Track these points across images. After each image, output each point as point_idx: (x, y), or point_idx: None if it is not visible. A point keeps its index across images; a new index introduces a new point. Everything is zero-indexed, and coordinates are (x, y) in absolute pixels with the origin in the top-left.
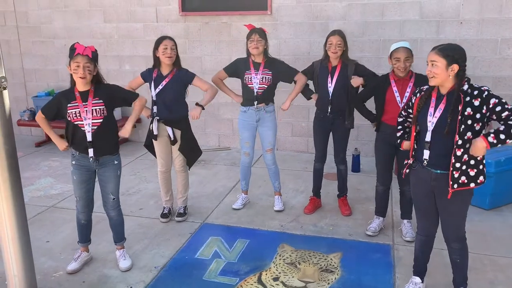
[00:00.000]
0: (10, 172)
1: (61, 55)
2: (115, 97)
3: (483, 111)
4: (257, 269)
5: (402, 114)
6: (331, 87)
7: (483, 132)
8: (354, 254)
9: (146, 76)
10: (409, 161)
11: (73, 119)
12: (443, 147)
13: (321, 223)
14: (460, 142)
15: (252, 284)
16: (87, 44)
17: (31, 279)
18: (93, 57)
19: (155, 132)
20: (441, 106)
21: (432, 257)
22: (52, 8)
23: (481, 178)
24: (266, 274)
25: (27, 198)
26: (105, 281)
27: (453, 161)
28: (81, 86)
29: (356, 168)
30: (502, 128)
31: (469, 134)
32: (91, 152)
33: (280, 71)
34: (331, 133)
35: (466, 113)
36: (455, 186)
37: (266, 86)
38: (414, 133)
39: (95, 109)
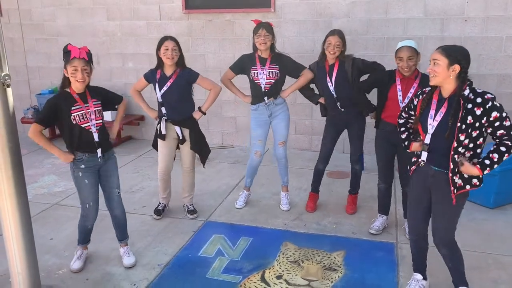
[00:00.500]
0: (14, 170)
1: None
2: (104, 99)
3: (483, 121)
4: (260, 267)
5: (403, 116)
6: (331, 86)
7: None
8: (358, 253)
9: (149, 77)
10: (419, 160)
11: (80, 121)
12: (442, 150)
13: (325, 221)
14: (459, 148)
15: (255, 282)
16: (90, 42)
17: (35, 277)
18: (89, 59)
19: (163, 132)
20: (442, 110)
21: (433, 257)
22: (56, 5)
23: (475, 180)
24: (269, 272)
25: (31, 196)
26: (108, 279)
27: (452, 166)
28: (78, 89)
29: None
30: (495, 155)
31: (466, 141)
32: (99, 152)
33: (287, 66)
34: (340, 133)
35: (467, 121)
36: (455, 191)
37: (273, 81)
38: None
39: (96, 110)
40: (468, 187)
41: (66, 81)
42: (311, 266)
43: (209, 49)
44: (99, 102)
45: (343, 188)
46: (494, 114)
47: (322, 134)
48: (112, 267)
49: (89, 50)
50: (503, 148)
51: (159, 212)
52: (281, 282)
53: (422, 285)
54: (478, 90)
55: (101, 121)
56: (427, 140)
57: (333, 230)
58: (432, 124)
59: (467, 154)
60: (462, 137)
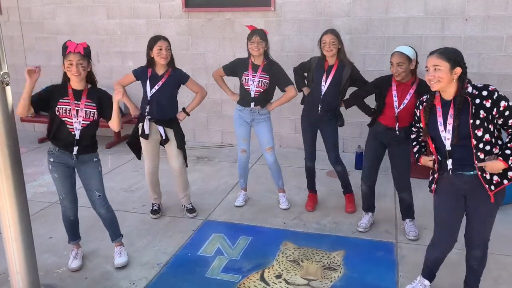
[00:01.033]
0: (12, 169)
1: None
2: (103, 105)
3: (494, 112)
4: (260, 266)
5: (413, 131)
6: (324, 86)
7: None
8: (357, 252)
9: (139, 74)
10: (435, 175)
11: (62, 115)
12: (465, 152)
13: (324, 220)
14: (480, 145)
15: (254, 282)
16: (90, 40)
17: (34, 276)
18: (86, 54)
19: (146, 131)
20: (451, 112)
21: None
22: (55, 4)
23: (510, 173)
24: (268, 272)
25: (30, 194)
26: (107, 278)
27: (478, 165)
28: (75, 84)
29: (360, 165)
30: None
31: (487, 136)
32: (75, 149)
33: (276, 76)
34: (318, 132)
35: (481, 115)
36: (493, 187)
37: (262, 90)
38: (433, 145)
39: (86, 111)
40: (505, 181)
41: (65, 77)
42: (311, 266)
43: (209, 48)
44: (94, 104)
45: None
46: (503, 103)
47: (302, 134)
48: (112, 265)
49: (87, 46)
50: None
51: (156, 211)
52: (280, 282)
53: (424, 285)
54: (479, 85)
55: (88, 123)
56: (448, 146)
57: (332, 229)
58: (449, 129)
59: (495, 151)
60: (479, 133)
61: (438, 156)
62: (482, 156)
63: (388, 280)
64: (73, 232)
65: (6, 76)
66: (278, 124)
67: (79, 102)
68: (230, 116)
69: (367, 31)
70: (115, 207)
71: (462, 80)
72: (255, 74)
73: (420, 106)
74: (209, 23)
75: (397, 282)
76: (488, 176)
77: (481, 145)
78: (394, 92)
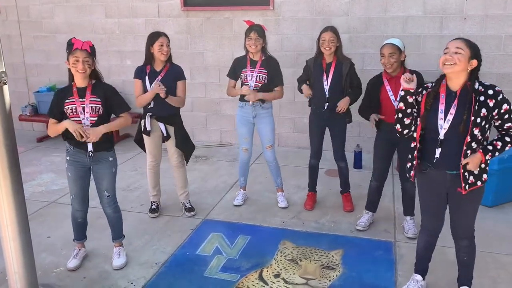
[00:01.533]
0: (10, 168)
1: (63, 50)
2: (109, 99)
3: (494, 113)
4: (258, 265)
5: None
6: (327, 85)
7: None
8: (356, 251)
9: (139, 74)
10: (414, 162)
11: (70, 114)
12: (456, 146)
13: (323, 219)
14: (473, 144)
15: (253, 281)
16: (89, 39)
17: (32, 276)
18: (92, 52)
19: (148, 128)
20: (456, 103)
21: (434, 255)
22: (54, 3)
23: (485, 176)
24: (267, 271)
25: (29, 194)
26: (106, 277)
27: (463, 162)
28: (80, 81)
29: (358, 164)
30: (499, 143)
31: (479, 134)
32: (90, 146)
33: (271, 72)
34: (326, 130)
35: (481, 114)
36: (467, 187)
37: (260, 85)
38: (420, 132)
39: (92, 106)
40: (479, 183)
41: (71, 74)
42: (309, 265)
43: (207, 46)
44: (99, 99)
45: None
46: (505, 106)
47: (308, 131)
48: (110, 265)
49: (93, 45)
50: (507, 139)
51: (155, 210)
52: (279, 281)
53: (421, 285)
54: (486, 83)
55: (95, 119)
56: (441, 135)
57: (331, 228)
58: (448, 118)
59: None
60: (476, 131)
61: (419, 144)
62: (469, 153)
63: (386, 279)
64: (80, 231)
65: (3, 75)
66: (277, 123)
67: (83, 99)
68: (229, 115)
69: (366, 30)
70: None
71: (474, 76)
72: (253, 69)
73: (424, 91)
74: (208, 22)
75: (396, 281)
76: (467, 175)
77: (473, 144)
78: (388, 87)
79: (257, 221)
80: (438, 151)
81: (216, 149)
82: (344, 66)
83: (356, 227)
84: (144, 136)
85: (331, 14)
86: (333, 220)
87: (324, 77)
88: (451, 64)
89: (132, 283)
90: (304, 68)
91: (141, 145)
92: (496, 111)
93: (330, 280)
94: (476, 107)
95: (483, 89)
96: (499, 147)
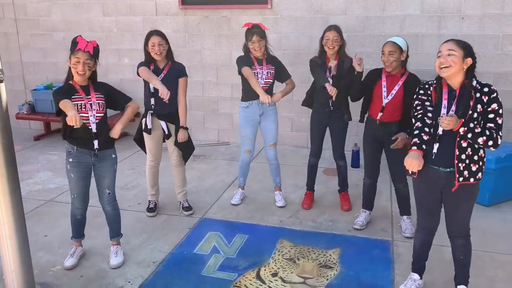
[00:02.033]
0: (7, 166)
1: (60, 48)
2: (111, 96)
3: (484, 109)
4: (256, 264)
5: (419, 117)
6: (330, 84)
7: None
8: (353, 250)
9: (145, 65)
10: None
11: (78, 111)
12: (452, 142)
13: (320, 218)
14: (468, 135)
15: (250, 280)
16: (86, 38)
17: (28, 274)
18: (94, 54)
19: (149, 126)
20: (456, 100)
21: (431, 254)
22: (51, 0)
23: (480, 174)
24: (265, 270)
25: (25, 192)
26: (103, 276)
27: (457, 153)
28: (79, 81)
29: (356, 163)
30: (479, 129)
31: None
32: (96, 144)
33: (278, 68)
34: (327, 129)
35: (478, 109)
36: (461, 179)
37: (271, 81)
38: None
39: (99, 103)
40: (472, 180)
41: (70, 73)
42: (307, 264)
43: (205, 45)
44: (103, 96)
45: None
46: (494, 105)
47: (309, 130)
48: (107, 264)
49: (97, 45)
50: (487, 132)
51: (152, 209)
52: (276, 280)
53: (418, 284)
54: (483, 82)
55: (102, 115)
56: (440, 130)
57: (329, 227)
58: (446, 113)
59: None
60: (471, 125)
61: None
62: (465, 144)
63: (384, 278)
64: (78, 229)
65: (0, 73)
66: None
67: (89, 96)
68: (227, 114)
69: (364, 29)
70: None
71: (471, 73)
72: (261, 67)
73: (431, 88)
74: (206, 21)
75: (393, 280)
76: (462, 168)
77: (468, 135)
78: (384, 83)
79: (254, 220)
80: (436, 146)
81: (213, 147)
82: (345, 64)
83: (353, 226)
84: (144, 134)
85: (329, 13)
86: (330, 219)
87: (328, 75)
88: (446, 67)
89: (129, 282)
90: (313, 66)
91: (141, 144)
92: (485, 107)
93: (327, 279)
94: (474, 103)
95: (479, 87)
96: (477, 130)
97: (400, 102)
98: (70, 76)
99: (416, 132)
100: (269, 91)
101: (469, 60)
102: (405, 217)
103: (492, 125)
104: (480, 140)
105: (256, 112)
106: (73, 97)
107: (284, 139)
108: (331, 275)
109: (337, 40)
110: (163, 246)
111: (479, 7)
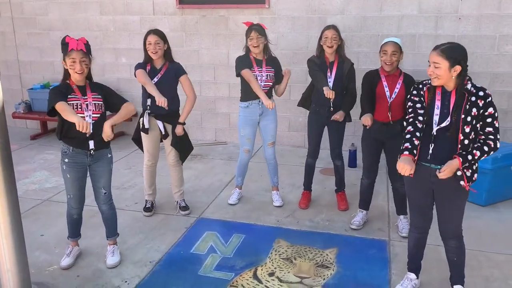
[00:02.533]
0: (3, 166)
1: (57, 47)
2: (108, 97)
3: (480, 113)
4: (253, 264)
5: (410, 121)
6: (330, 82)
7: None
8: (350, 250)
9: (142, 66)
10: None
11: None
12: (447, 142)
13: (317, 218)
14: (466, 141)
15: (247, 279)
16: (83, 36)
17: (25, 274)
18: (87, 50)
19: (146, 126)
20: (450, 101)
21: (427, 254)
22: None
23: (475, 175)
24: (261, 269)
25: (22, 192)
26: (99, 275)
27: (461, 160)
28: (77, 81)
29: (353, 163)
30: (478, 153)
31: (472, 134)
32: (91, 144)
33: (276, 70)
34: (325, 129)
35: (472, 113)
36: (468, 182)
37: (270, 84)
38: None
39: (95, 103)
40: (462, 183)
41: (66, 73)
42: (304, 263)
43: (203, 44)
44: (100, 97)
45: None
46: (490, 109)
47: (307, 130)
48: (103, 263)
49: (87, 42)
50: (485, 148)
51: (149, 209)
52: (273, 279)
53: (415, 284)
54: (478, 85)
55: (98, 115)
56: (434, 131)
57: (326, 227)
58: (439, 114)
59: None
60: (467, 129)
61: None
62: (459, 148)
63: (380, 277)
64: (74, 229)
65: None
66: None
67: (86, 97)
68: (224, 114)
69: (361, 29)
70: None
71: (462, 77)
72: (261, 69)
73: (424, 88)
74: (203, 20)
75: (390, 280)
76: (467, 173)
77: (466, 141)
78: (385, 83)
79: (251, 220)
80: (431, 147)
81: (211, 147)
82: (345, 64)
83: (350, 226)
84: (142, 134)
85: (327, 13)
86: (327, 219)
87: (328, 74)
88: (435, 78)
89: (126, 281)
90: (311, 67)
91: (139, 143)
92: (482, 111)
93: (324, 279)
94: (468, 106)
95: (474, 90)
96: (477, 157)
97: (403, 101)
98: (66, 77)
99: (408, 136)
100: (268, 93)
101: (458, 68)
102: (402, 216)
103: (490, 129)
104: (482, 158)
105: (256, 112)
106: (69, 96)
107: (281, 139)
108: (328, 274)
109: (336, 38)
110: (160, 245)
111: (475, 7)
